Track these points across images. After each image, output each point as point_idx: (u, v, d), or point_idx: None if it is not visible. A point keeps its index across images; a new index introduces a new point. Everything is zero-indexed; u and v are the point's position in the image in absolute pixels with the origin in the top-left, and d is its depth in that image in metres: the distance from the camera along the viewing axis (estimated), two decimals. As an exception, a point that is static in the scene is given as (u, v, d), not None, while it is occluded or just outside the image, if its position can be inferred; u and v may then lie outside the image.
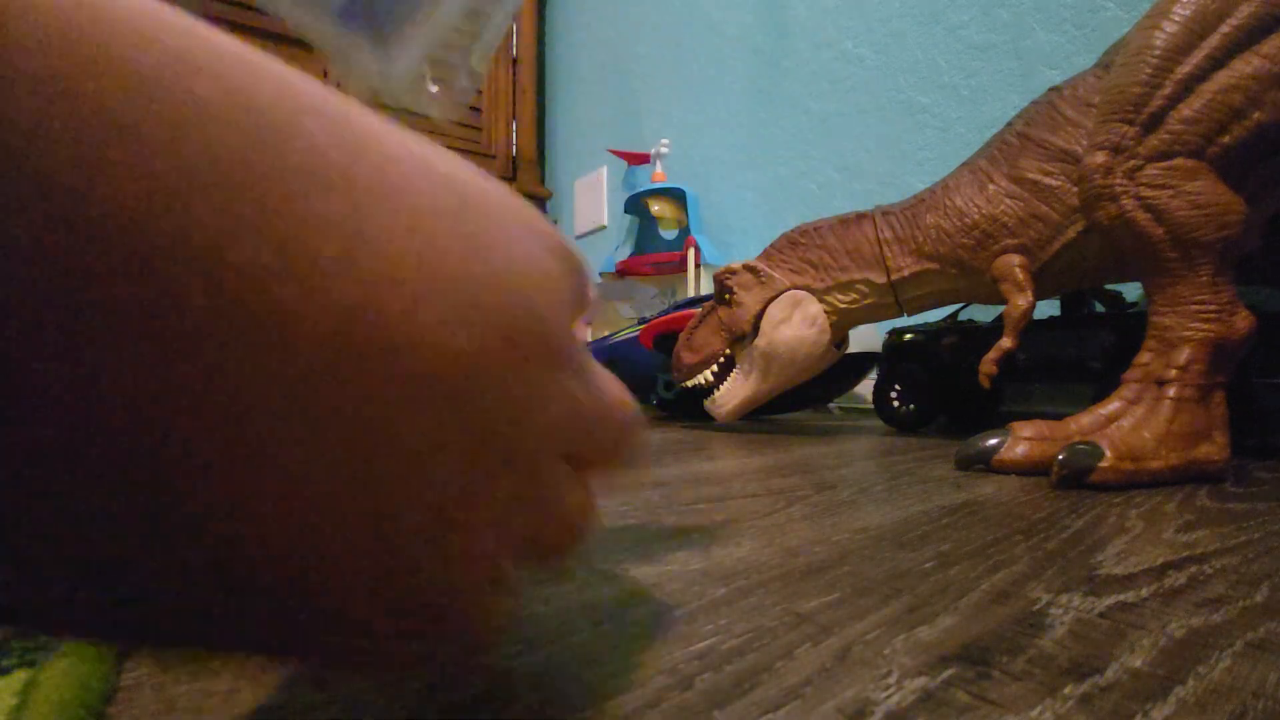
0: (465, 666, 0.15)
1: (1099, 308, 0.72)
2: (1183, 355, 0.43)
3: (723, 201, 1.55)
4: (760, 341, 0.70)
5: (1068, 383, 0.66)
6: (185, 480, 0.07)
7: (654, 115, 1.83)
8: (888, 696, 0.14)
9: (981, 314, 0.91)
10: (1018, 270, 0.56)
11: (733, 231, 1.52)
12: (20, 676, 0.14)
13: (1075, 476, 0.40)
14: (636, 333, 1.05)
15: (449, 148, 0.11)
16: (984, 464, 0.47)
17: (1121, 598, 0.21)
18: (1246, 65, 0.41)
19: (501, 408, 0.09)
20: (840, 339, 0.73)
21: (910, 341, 0.81)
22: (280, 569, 0.08)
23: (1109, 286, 0.69)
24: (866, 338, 0.93)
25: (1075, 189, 0.53)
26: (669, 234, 1.65)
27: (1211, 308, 0.43)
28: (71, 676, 0.14)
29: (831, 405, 1.22)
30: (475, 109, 2.19)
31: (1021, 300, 0.55)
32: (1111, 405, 0.45)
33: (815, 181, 1.31)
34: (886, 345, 0.85)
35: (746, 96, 1.49)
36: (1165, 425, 0.42)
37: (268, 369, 0.07)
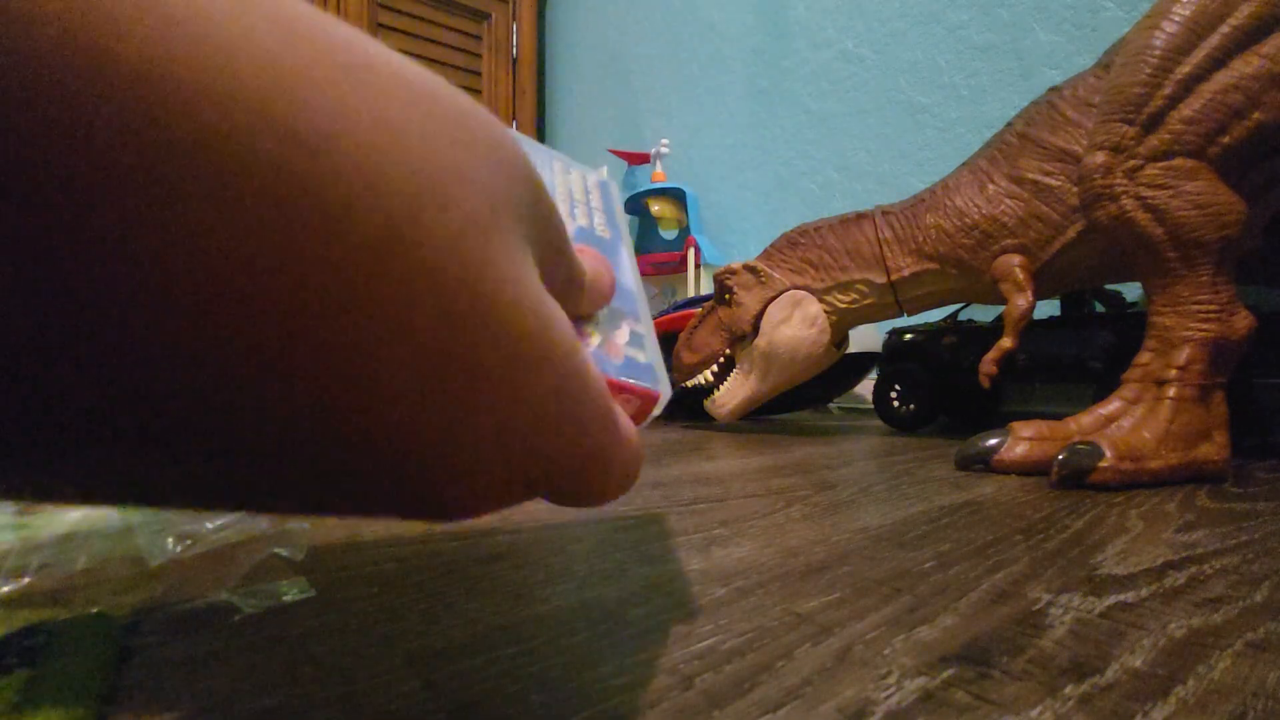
0: (467, 667, 0.15)
1: (1099, 308, 0.72)
2: (1183, 355, 0.43)
3: (723, 201, 1.55)
4: (760, 341, 0.70)
5: (1068, 383, 0.66)
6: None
7: (654, 115, 1.83)
8: (888, 696, 0.14)
9: (981, 314, 0.91)
10: (1018, 270, 0.56)
11: (733, 231, 1.52)
12: (21, 676, 0.14)
13: (1075, 477, 0.40)
14: (636, 333, 1.05)
15: None
16: (984, 464, 0.47)
17: (1121, 598, 0.21)
18: (1247, 65, 0.41)
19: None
20: (840, 339, 0.73)
21: (910, 341, 0.81)
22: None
23: (1109, 286, 0.69)
24: (866, 338, 0.93)
25: (1075, 189, 0.53)
26: (669, 234, 1.65)
27: (1211, 308, 0.43)
28: (71, 676, 0.14)
29: (831, 405, 1.21)
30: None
31: (1021, 300, 0.55)
32: (1111, 405, 0.45)
33: (815, 181, 1.31)
34: (886, 345, 0.85)
35: (746, 96, 1.49)
36: (1165, 425, 0.42)
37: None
